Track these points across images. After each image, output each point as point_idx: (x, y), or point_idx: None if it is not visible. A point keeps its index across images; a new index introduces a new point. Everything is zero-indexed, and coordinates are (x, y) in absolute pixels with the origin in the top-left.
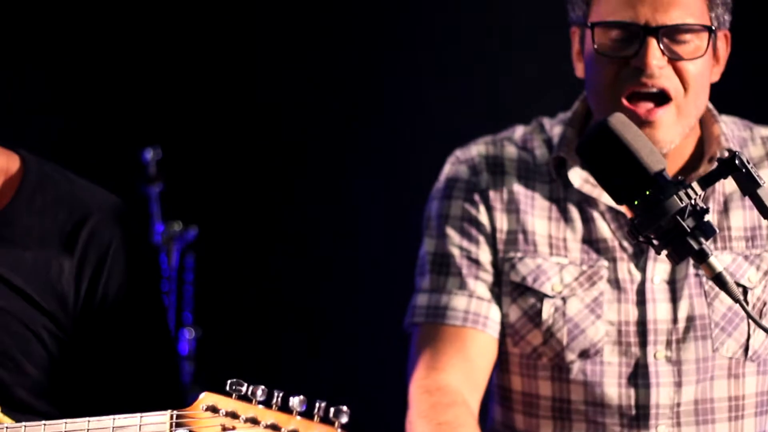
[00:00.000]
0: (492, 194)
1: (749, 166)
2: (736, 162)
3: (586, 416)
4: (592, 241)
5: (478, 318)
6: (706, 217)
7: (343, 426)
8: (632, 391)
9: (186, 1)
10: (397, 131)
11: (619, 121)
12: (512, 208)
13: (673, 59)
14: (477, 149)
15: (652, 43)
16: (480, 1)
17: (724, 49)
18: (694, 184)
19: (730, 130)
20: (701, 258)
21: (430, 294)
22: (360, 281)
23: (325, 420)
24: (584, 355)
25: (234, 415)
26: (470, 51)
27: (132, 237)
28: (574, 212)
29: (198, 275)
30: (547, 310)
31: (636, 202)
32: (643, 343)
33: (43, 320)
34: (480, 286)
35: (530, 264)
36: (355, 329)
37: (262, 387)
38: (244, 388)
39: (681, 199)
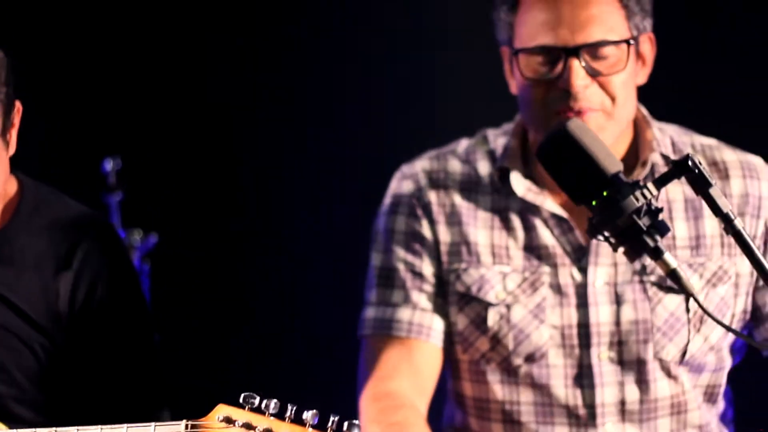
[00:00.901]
0: (435, 208)
1: (701, 167)
2: (689, 163)
3: (536, 417)
4: (533, 248)
5: (421, 329)
6: (660, 216)
7: None
8: (578, 392)
9: (143, 13)
10: (359, 136)
11: (577, 125)
12: (455, 220)
13: (597, 75)
14: (421, 165)
15: (575, 64)
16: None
17: (649, 50)
18: (650, 185)
19: (669, 136)
20: (656, 254)
21: (376, 307)
22: (322, 288)
23: None
24: (530, 359)
25: (249, 426)
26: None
27: (121, 260)
28: (516, 221)
29: (155, 282)
30: (492, 317)
31: (594, 203)
32: (586, 345)
33: (38, 336)
34: (423, 298)
35: (474, 274)
36: (316, 336)
37: (275, 400)
38: (257, 401)
39: (637, 199)
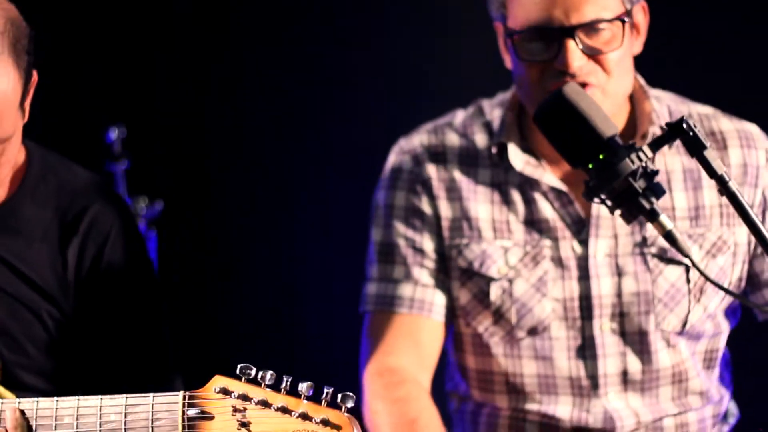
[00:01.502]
0: (435, 183)
1: (696, 130)
2: (684, 126)
3: (539, 389)
4: (534, 222)
5: (423, 304)
6: (656, 179)
7: (348, 410)
8: (581, 363)
9: None
10: (371, 112)
11: (573, 90)
12: (455, 196)
13: (594, 54)
14: (419, 139)
15: (570, 44)
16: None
17: (643, 19)
18: (645, 148)
19: (666, 105)
20: (653, 216)
21: (378, 283)
22: (326, 258)
23: (332, 405)
24: (533, 332)
25: (245, 398)
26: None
27: (128, 226)
28: (516, 195)
29: (161, 248)
30: (495, 292)
31: (590, 166)
32: (588, 317)
33: (46, 305)
34: (424, 274)
35: (476, 249)
36: (317, 307)
37: (271, 372)
38: (253, 372)
39: (633, 162)
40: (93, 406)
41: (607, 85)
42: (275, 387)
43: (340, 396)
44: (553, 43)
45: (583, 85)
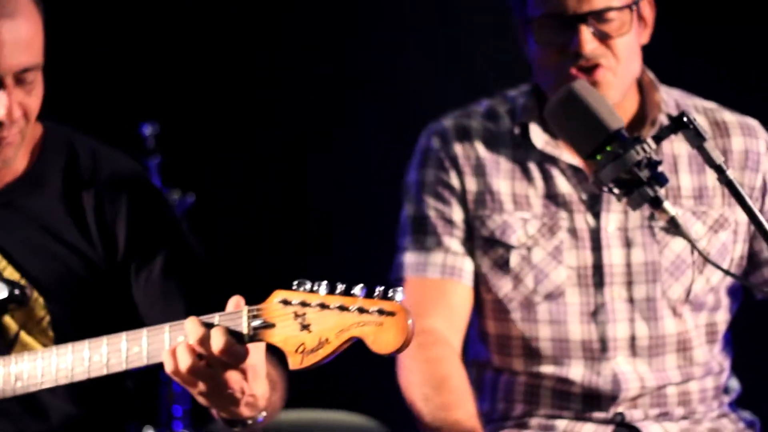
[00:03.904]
0: (462, 161)
1: (695, 123)
2: (684, 119)
3: (553, 352)
4: (551, 196)
5: (454, 270)
6: (659, 168)
7: (399, 301)
8: (593, 327)
9: None
10: (401, 97)
11: (582, 86)
12: (480, 172)
13: (605, 38)
14: (447, 122)
15: (583, 29)
16: None
17: (649, 12)
18: (649, 140)
19: (673, 98)
20: (656, 204)
21: (411, 252)
22: (353, 246)
23: (384, 299)
24: (549, 297)
25: (304, 303)
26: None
27: (142, 181)
28: (536, 172)
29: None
30: (514, 259)
31: (598, 157)
32: (600, 284)
33: (79, 260)
34: (454, 242)
35: (497, 220)
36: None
37: (325, 282)
38: (308, 285)
39: (638, 153)
40: (162, 331)
41: (617, 67)
42: (330, 293)
43: (390, 291)
44: (568, 29)
45: (597, 66)
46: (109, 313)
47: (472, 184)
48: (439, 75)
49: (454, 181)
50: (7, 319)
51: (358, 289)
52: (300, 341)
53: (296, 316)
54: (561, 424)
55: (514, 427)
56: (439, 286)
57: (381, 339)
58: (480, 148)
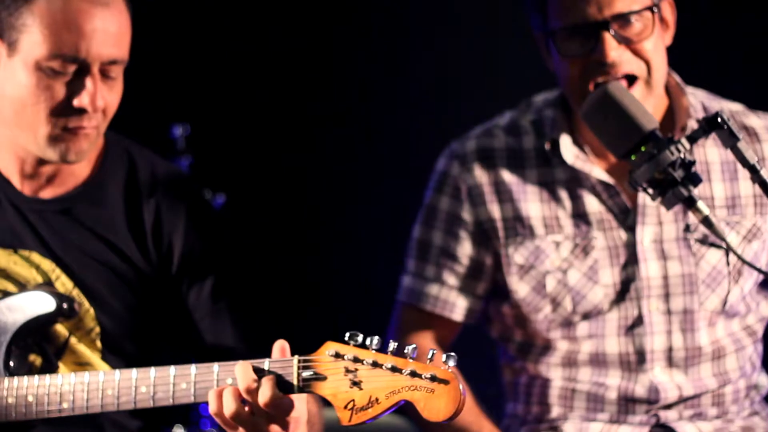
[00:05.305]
0: (486, 188)
1: (729, 123)
2: (719, 120)
3: (590, 363)
4: (582, 215)
5: (446, 305)
6: (693, 169)
7: (452, 368)
8: (630, 340)
9: None
10: (419, 105)
11: (616, 88)
12: (507, 197)
13: (628, 43)
14: (470, 145)
15: (606, 36)
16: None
17: (670, 13)
18: (683, 140)
19: (700, 101)
20: (691, 203)
21: (411, 277)
22: (388, 249)
23: (437, 362)
24: (587, 316)
25: (356, 359)
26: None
27: (200, 199)
28: (563, 192)
29: None
30: (551, 283)
31: (633, 157)
32: (638, 298)
33: (131, 270)
34: (452, 277)
35: (530, 246)
36: (380, 295)
37: (377, 337)
38: (360, 338)
39: (672, 153)
40: (211, 371)
41: (648, 77)
42: (382, 350)
43: (444, 356)
44: (590, 38)
45: (631, 78)
46: (156, 328)
47: (499, 212)
48: (477, 88)
49: (466, 215)
50: (58, 326)
51: (410, 350)
52: (350, 397)
53: (347, 371)
54: (596, 426)
55: (549, 429)
56: (428, 317)
57: (432, 406)
58: (504, 172)
